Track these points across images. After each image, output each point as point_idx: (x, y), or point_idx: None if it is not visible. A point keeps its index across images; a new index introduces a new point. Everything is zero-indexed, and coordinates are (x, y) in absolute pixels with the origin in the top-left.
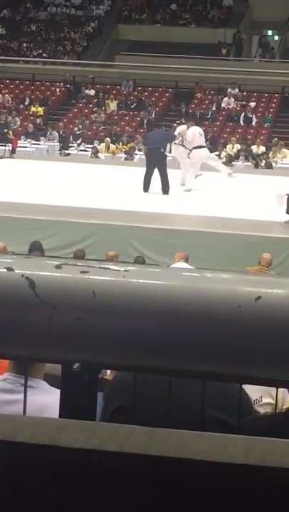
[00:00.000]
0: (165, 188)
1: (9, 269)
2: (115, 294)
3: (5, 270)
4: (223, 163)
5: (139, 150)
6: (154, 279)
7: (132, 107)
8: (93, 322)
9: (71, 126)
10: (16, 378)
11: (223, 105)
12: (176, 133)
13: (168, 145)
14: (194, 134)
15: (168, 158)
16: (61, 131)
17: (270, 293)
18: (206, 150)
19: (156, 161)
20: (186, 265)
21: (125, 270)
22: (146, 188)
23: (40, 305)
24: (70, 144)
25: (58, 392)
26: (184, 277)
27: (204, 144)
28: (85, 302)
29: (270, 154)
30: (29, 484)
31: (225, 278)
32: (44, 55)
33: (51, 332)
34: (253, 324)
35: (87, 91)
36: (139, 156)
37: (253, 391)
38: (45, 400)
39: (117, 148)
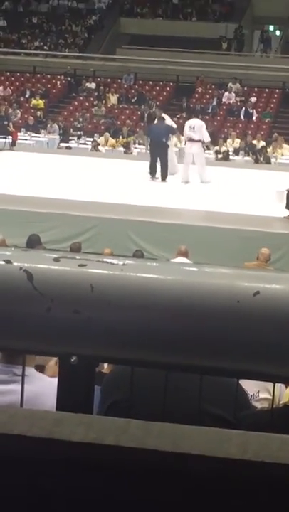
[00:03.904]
0: (163, 176)
1: (7, 261)
2: (113, 288)
3: (3, 263)
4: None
5: (139, 144)
6: (152, 273)
7: (133, 100)
8: (91, 315)
9: (71, 119)
10: (7, 368)
11: (223, 100)
12: (196, 129)
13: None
14: (185, 126)
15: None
16: (61, 124)
17: (269, 288)
18: (190, 145)
19: (159, 152)
20: (185, 260)
21: (123, 264)
22: (153, 172)
23: (38, 298)
24: (70, 137)
25: (49, 379)
26: (183, 271)
27: (195, 138)
28: (83, 295)
29: (270, 149)
30: (26, 477)
31: (223, 273)
32: (45, 47)
33: (49, 325)
34: (251, 319)
35: (87, 84)
36: (139, 149)
37: (250, 386)
38: (39, 387)
39: (116, 142)
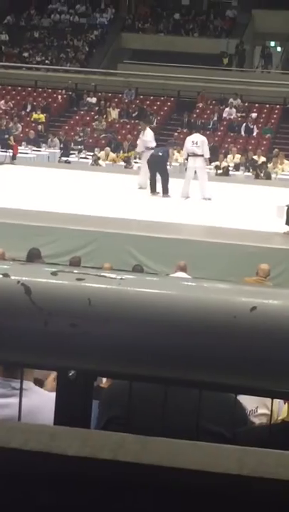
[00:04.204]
0: (165, 190)
1: (5, 275)
2: (110, 302)
3: (1, 276)
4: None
5: (140, 158)
6: (149, 288)
7: (134, 115)
8: (88, 329)
9: (72, 133)
10: (6, 382)
11: (224, 115)
12: (199, 144)
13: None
14: (186, 141)
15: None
16: (62, 139)
17: (266, 303)
18: (194, 159)
19: (158, 167)
20: (184, 275)
21: (121, 278)
22: (153, 189)
23: (35, 312)
24: (71, 151)
25: (47, 393)
26: (180, 286)
27: (199, 153)
28: (81, 309)
29: (270, 165)
30: (22, 491)
31: (221, 288)
32: (47, 62)
33: (46, 338)
34: (248, 334)
35: (88, 99)
36: (139, 164)
37: (248, 401)
38: (37, 401)
39: (117, 156)
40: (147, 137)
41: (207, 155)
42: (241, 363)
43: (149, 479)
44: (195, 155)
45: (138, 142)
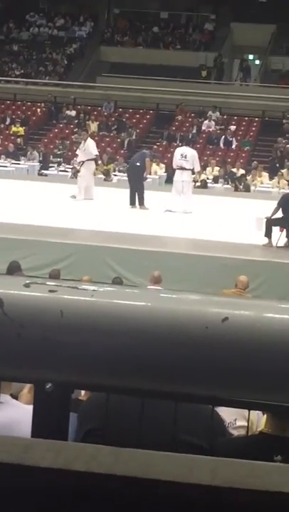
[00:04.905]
0: (140, 201)
1: None
2: (83, 314)
3: None
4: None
5: (119, 171)
6: (122, 299)
7: (113, 128)
8: (61, 341)
9: (51, 146)
10: None
11: (203, 128)
12: (188, 158)
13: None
14: (175, 153)
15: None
16: (42, 151)
17: (238, 314)
18: (181, 173)
19: (133, 177)
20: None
21: (94, 290)
22: (132, 202)
23: (8, 323)
24: (50, 164)
25: (25, 406)
26: (152, 298)
27: (187, 167)
28: (53, 321)
29: (249, 177)
30: None
31: (192, 299)
32: (25, 74)
33: (20, 351)
34: (220, 345)
35: (68, 112)
36: (119, 177)
37: (227, 414)
38: (14, 414)
39: (96, 169)
40: (89, 147)
41: (198, 169)
42: (215, 373)
43: (122, 491)
44: (183, 168)
45: (78, 153)
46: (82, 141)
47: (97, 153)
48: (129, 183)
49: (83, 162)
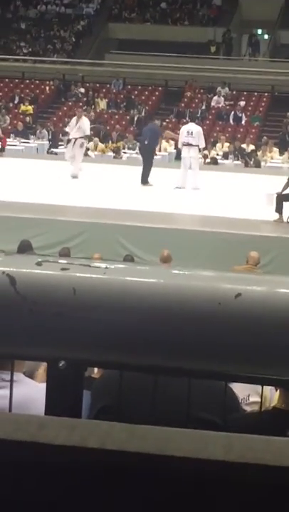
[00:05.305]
0: (143, 179)
1: None
2: (95, 291)
3: None
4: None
5: (129, 148)
6: (134, 277)
7: (122, 105)
8: (74, 319)
9: (61, 124)
10: None
11: (212, 104)
12: (194, 134)
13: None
14: (181, 131)
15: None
16: (51, 130)
17: (250, 290)
18: (188, 149)
19: (142, 154)
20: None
21: (106, 267)
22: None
23: (20, 301)
24: (60, 143)
25: (38, 384)
26: (165, 275)
27: (193, 143)
28: (66, 299)
29: (260, 153)
30: (9, 480)
31: (205, 276)
32: (33, 53)
33: (32, 328)
34: (233, 321)
35: (76, 89)
36: (128, 154)
37: (240, 390)
38: (28, 392)
39: (106, 146)
40: (84, 125)
41: (203, 145)
42: (228, 350)
43: (137, 467)
44: (189, 145)
45: (68, 129)
46: (75, 118)
47: (88, 133)
48: (143, 161)
49: (76, 139)
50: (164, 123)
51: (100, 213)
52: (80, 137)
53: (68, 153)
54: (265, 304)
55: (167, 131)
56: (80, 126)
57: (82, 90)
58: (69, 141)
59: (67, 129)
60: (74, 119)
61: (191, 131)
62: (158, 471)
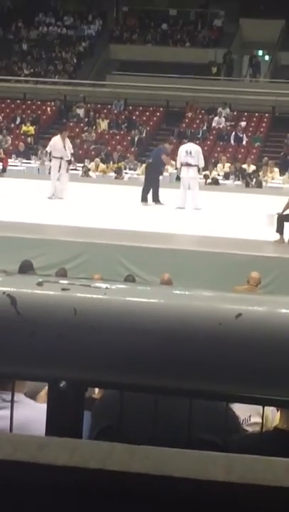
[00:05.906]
0: (154, 197)
1: None
2: (96, 311)
3: None
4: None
5: (130, 169)
6: (135, 297)
7: (123, 126)
8: (74, 339)
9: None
10: None
11: (213, 124)
12: (193, 154)
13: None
14: (180, 151)
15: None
16: None
17: (251, 310)
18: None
19: (147, 173)
20: None
21: (106, 288)
22: (143, 198)
23: (21, 322)
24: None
25: (39, 405)
26: (166, 295)
27: (192, 163)
28: (66, 319)
29: (260, 173)
30: (9, 501)
31: (205, 296)
32: (35, 74)
33: (33, 349)
34: (233, 341)
35: (78, 110)
36: (130, 175)
37: (242, 410)
38: (28, 413)
39: (107, 167)
40: (70, 148)
41: (202, 165)
42: (229, 370)
43: (138, 488)
44: (188, 165)
45: (49, 149)
46: (59, 138)
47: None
48: (145, 180)
49: (62, 159)
50: (166, 144)
51: (101, 234)
52: (68, 159)
53: (55, 173)
54: (266, 325)
55: (163, 156)
56: (67, 147)
57: (80, 112)
58: (56, 159)
59: (48, 149)
60: (58, 139)
61: (190, 151)
62: (159, 492)
